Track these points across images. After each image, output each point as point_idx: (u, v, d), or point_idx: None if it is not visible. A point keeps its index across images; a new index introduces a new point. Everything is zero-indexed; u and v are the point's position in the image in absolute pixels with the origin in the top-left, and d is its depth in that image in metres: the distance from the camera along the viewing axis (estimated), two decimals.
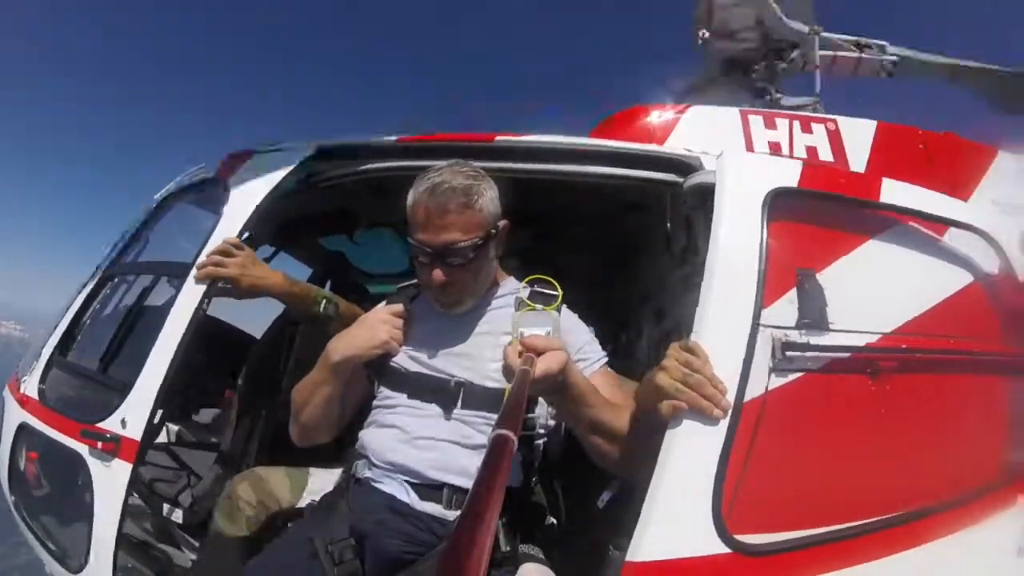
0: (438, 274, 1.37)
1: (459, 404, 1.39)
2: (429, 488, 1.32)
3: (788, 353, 1.24)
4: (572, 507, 1.73)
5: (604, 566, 1.19)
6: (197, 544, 2.00)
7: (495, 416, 0.79)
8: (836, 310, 1.32)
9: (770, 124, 2.15)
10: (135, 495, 1.96)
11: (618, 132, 2.29)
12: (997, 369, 1.47)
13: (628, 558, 1.09)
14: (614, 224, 2.53)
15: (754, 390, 1.21)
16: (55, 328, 2.00)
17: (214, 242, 1.72)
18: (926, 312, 1.41)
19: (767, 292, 1.30)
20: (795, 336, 1.27)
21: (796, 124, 2.14)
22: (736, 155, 1.61)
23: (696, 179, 1.59)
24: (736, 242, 1.34)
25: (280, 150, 1.94)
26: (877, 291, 1.41)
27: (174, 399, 2.61)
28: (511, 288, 1.55)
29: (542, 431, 1.42)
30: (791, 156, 2.06)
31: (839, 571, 1.15)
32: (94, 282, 2.06)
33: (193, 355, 1.67)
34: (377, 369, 1.48)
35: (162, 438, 2.71)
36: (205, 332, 1.76)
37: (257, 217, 1.79)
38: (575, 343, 1.43)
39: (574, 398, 1.24)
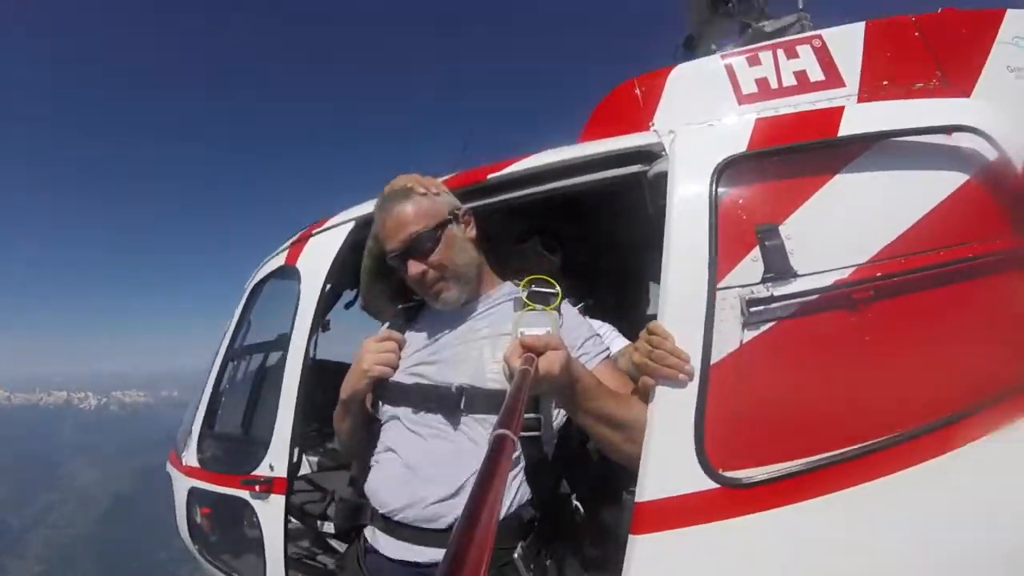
0: (413, 266, 1.56)
1: (463, 410, 1.51)
2: (437, 533, 1.44)
3: (754, 309, 1.45)
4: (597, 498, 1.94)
5: (622, 509, 1.47)
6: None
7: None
8: (802, 257, 1.49)
9: (754, 61, 2.21)
10: (292, 520, 2.55)
11: (612, 113, 2.47)
12: (1007, 265, 1.52)
13: (636, 499, 1.39)
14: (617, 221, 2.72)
15: (727, 346, 1.45)
16: (198, 407, 2.68)
17: (300, 320, 2.26)
18: (909, 231, 1.52)
19: (729, 257, 1.52)
20: (761, 291, 1.46)
21: (780, 53, 2.18)
22: (685, 135, 1.78)
23: (656, 168, 1.78)
24: (688, 219, 1.56)
25: (331, 228, 2.41)
26: (847, 226, 1.55)
27: (307, 436, 3.24)
28: (508, 291, 1.74)
29: (553, 430, 1.57)
30: (780, 87, 2.11)
31: (826, 496, 1.35)
32: (219, 365, 2.69)
33: (313, 396, 2.16)
34: (379, 392, 1.66)
35: (305, 469, 3.35)
36: (320, 374, 2.26)
37: (325, 294, 2.33)
38: (576, 339, 1.59)
39: (579, 394, 1.34)
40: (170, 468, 2.80)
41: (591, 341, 1.64)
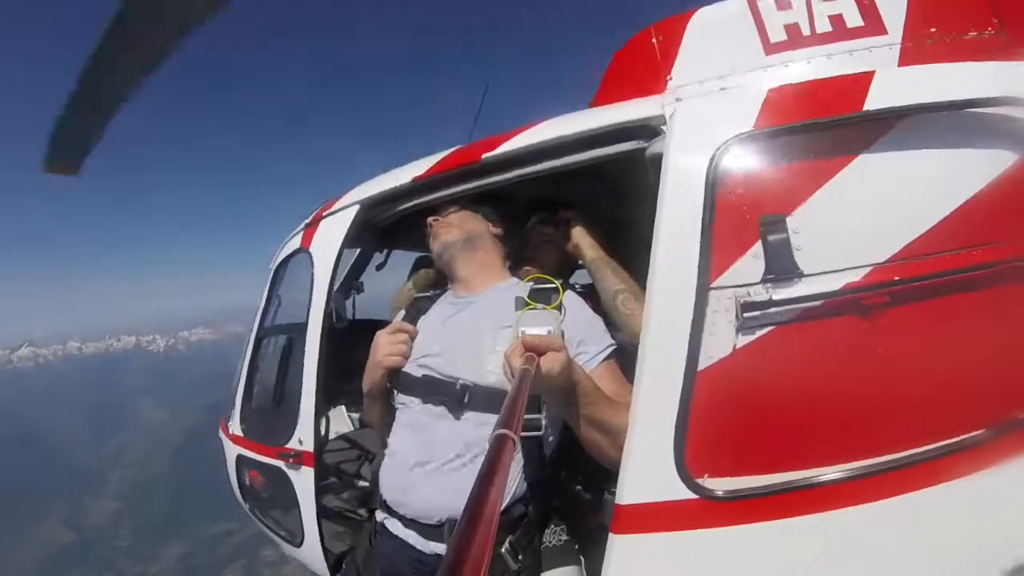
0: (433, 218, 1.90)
1: (465, 406, 1.55)
2: (432, 528, 1.51)
3: (749, 314, 1.32)
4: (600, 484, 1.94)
5: (604, 507, 1.45)
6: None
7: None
8: (810, 254, 1.33)
9: (783, 4, 1.93)
10: (332, 478, 2.72)
11: (627, 69, 2.26)
12: None
13: (616, 501, 1.37)
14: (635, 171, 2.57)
15: (718, 351, 1.35)
16: (238, 382, 2.84)
17: (315, 303, 2.34)
18: (939, 225, 1.32)
19: (726, 252, 1.38)
20: (759, 293, 1.33)
21: None
22: (687, 107, 1.59)
23: (653, 147, 1.61)
24: (682, 207, 1.41)
25: (338, 211, 2.42)
26: (866, 218, 1.36)
27: (349, 393, 3.39)
28: (511, 283, 1.76)
29: (550, 429, 1.59)
30: (813, 34, 1.85)
31: (803, 516, 1.27)
32: (253, 344, 2.83)
33: (354, 355, 2.24)
34: (394, 381, 1.74)
35: (347, 425, 3.53)
36: (359, 333, 2.34)
37: (336, 278, 2.38)
38: (575, 338, 1.56)
39: (576, 397, 1.35)
40: (220, 433, 3.04)
41: (591, 338, 1.61)
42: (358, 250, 3.45)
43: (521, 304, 1.54)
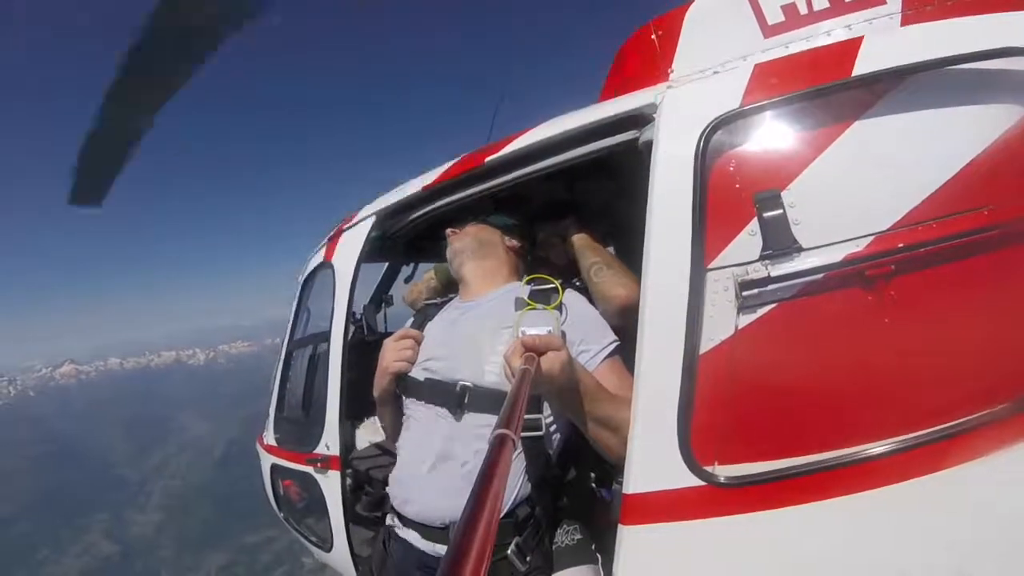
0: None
1: (465, 407, 1.54)
2: (437, 531, 1.51)
3: (748, 292, 1.27)
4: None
5: (614, 501, 1.42)
6: None
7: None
8: (808, 227, 1.28)
9: None
10: (364, 485, 2.75)
11: (629, 65, 2.26)
12: None
13: (623, 491, 1.33)
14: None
15: (720, 333, 1.30)
16: (272, 394, 2.93)
17: (338, 314, 2.40)
18: (943, 188, 1.24)
19: (722, 232, 1.34)
20: (758, 270, 1.28)
21: None
22: (676, 92, 1.56)
23: (645, 135, 1.60)
24: (672, 190, 1.38)
25: (357, 223, 2.51)
26: (864, 187, 1.29)
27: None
28: (513, 286, 1.76)
29: (552, 427, 1.56)
30: (810, 12, 1.81)
31: (825, 501, 1.19)
32: (284, 356, 2.94)
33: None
34: (400, 387, 1.76)
35: (379, 435, 3.57)
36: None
37: (356, 288, 2.42)
38: (576, 336, 1.55)
39: (578, 395, 1.34)
40: (257, 445, 3.14)
41: (592, 336, 1.59)
42: (387, 264, 3.53)
43: (521, 305, 1.54)
